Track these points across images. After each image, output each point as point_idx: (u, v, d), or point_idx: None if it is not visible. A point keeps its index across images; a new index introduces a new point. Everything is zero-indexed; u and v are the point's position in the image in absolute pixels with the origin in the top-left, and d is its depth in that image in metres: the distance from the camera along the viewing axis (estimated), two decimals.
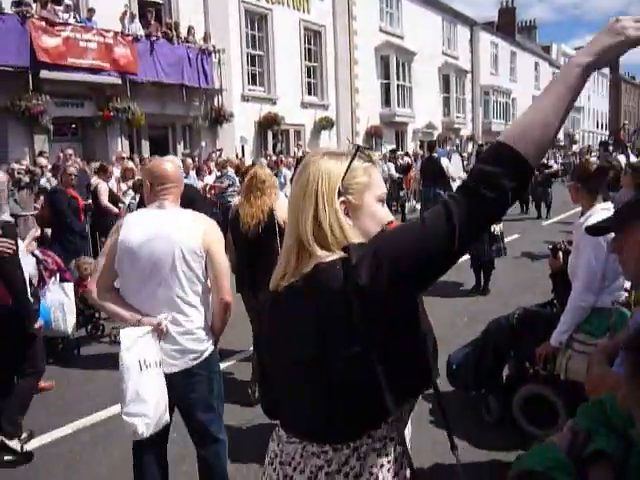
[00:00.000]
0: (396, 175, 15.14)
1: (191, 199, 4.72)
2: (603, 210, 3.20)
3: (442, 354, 3.76)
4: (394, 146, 21.95)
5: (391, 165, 15.54)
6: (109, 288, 2.60)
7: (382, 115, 24.03)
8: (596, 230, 1.89)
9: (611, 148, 16.20)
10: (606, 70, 61.01)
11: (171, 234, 2.51)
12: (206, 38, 15.69)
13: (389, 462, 1.25)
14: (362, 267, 1.12)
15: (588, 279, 3.08)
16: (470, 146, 28.05)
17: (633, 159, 14.05)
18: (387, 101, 24.31)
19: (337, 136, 21.70)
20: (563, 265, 3.62)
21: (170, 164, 2.78)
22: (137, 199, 7.70)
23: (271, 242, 3.89)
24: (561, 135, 44.55)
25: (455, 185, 12.19)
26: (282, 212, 3.98)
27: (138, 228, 2.54)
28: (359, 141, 22.20)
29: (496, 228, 7.35)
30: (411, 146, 24.30)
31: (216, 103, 16.15)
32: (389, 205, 13.70)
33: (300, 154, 17.14)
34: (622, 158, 12.57)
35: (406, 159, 17.11)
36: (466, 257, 8.31)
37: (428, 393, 3.94)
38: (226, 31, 16.53)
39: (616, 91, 63.61)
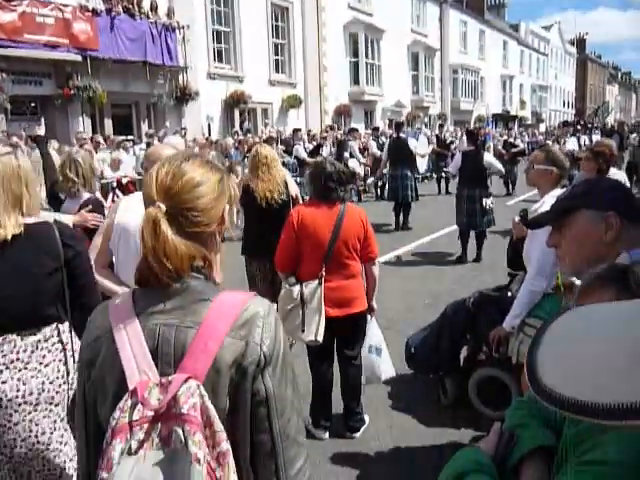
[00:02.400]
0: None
1: None
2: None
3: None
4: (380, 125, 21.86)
5: (373, 143, 15.41)
6: (104, 265, 2.82)
7: (351, 93, 23.90)
8: (535, 224, 1.90)
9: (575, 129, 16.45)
10: (573, 49, 61.71)
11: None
12: (170, 14, 15.29)
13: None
14: None
15: (541, 264, 3.12)
16: (440, 121, 28.14)
17: (596, 140, 14.30)
18: (356, 79, 24.16)
19: (305, 114, 21.53)
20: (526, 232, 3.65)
21: (168, 150, 2.81)
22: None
23: (285, 211, 4.12)
24: (528, 114, 45.05)
25: (420, 162, 12.26)
26: (292, 185, 4.75)
27: (132, 211, 2.68)
28: (328, 119, 22.09)
29: (487, 202, 7.79)
30: (380, 124, 24.26)
31: (181, 81, 15.82)
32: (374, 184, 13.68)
33: (268, 132, 17.01)
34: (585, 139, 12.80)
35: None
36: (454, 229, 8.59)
37: (386, 381, 3.99)
38: (191, 7, 16.12)
39: (582, 70, 64.39)
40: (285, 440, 1.21)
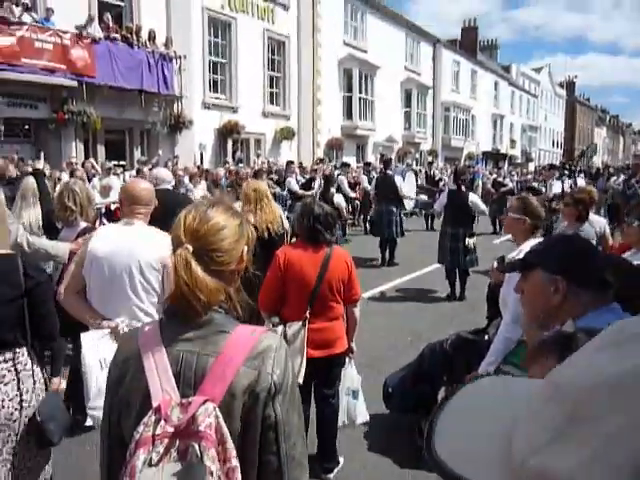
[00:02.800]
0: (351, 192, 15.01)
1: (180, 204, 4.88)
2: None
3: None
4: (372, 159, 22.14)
5: (364, 178, 15.60)
6: (76, 291, 2.92)
7: (343, 127, 24.24)
8: (510, 268, 1.99)
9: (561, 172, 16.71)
10: (562, 91, 63.01)
11: (132, 248, 2.87)
12: (167, 44, 15.56)
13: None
14: None
15: (516, 311, 3.18)
16: (430, 158, 28.49)
17: (581, 183, 14.55)
18: (349, 113, 24.54)
19: (298, 146, 21.78)
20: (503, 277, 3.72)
21: (144, 188, 3.12)
22: None
23: (281, 244, 4.27)
24: (518, 153, 45.74)
25: (407, 203, 12.41)
26: (285, 219, 4.96)
27: (105, 241, 2.91)
28: (320, 152, 22.34)
29: (470, 241, 7.85)
30: (371, 158, 24.54)
31: (175, 109, 16.01)
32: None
33: (260, 163, 17.17)
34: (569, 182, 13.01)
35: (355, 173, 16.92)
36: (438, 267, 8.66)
37: (363, 422, 3.97)
38: (188, 37, 16.45)
39: (571, 112, 65.69)
40: (291, 462, 1.36)
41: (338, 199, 9.29)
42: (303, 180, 13.20)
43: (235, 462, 1.25)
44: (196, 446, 1.22)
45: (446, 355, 3.76)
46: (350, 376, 3.69)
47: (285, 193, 12.49)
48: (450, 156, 32.58)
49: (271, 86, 20.77)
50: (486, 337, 3.76)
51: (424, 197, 8.58)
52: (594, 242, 4.83)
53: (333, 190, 9.40)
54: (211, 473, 1.20)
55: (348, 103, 24.50)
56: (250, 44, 19.00)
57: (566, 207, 5.21)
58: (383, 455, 3.90)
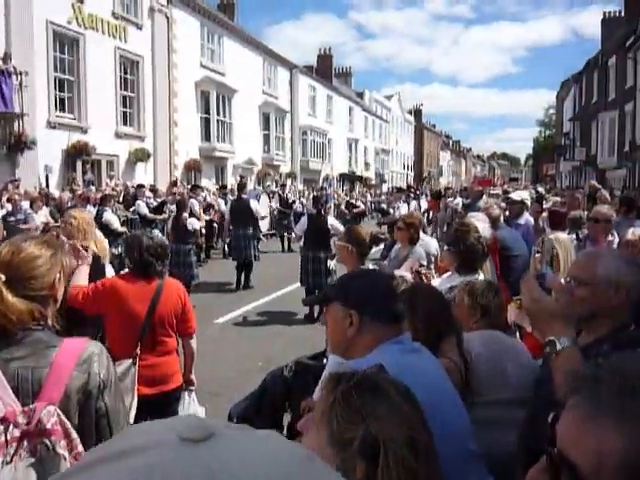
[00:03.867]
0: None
1: None
2: None
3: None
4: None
5: (221, 201, 15.52)
6: None
7: (202, 149, 24.04)
8: (312, 302, 2.15)
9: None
10: (411, 118, 67.49)
11: None
12: (6, 58, 14.51)
13: None
14: None
15: None
16: (289, 182, 29.11)
17: (424, 205, 15.71)
18: (207, 135, 24.40)
19: (154, 168, 21.22)
20: None
21: None
22: None
23: None
24: (372, 175, 48.17)
25: (262, 223, 12.59)
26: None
27: None
28: (177, 174, 21.94)
29: (331, 263, 8.07)
30: (231, 181, 24.56)
31: (16, 128, 14.92)
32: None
33: (113, 185, 16.47)
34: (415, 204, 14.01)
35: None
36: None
37: None
38: (31, 53, 15.42)
39: (420, 137, 70.62)
40: (111, 430, 1.70)
41: (193, 223, 9.20)
42: (155, 204, 12.91)
43: (80, 448, 1.55)
44: (47, 442, 1.52)
45: (286, 382, 3.88)
46: (193, 410, 3.67)
47: (136, 216, 12.13)
48: (308, 178, 33.55)
49: (124, 106, 20.09)
50: (325, 361, 3.95)
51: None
52: (425, 262, 5.25)
53: (186, 214, 9.29)
54: (65, 458, 1.52)
55: (206, 125, 24.36)
56: (101, 62, 18.25)
57: (399, 231, 5.60)
58: None
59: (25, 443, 1.51)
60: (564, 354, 1.67)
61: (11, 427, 1.50)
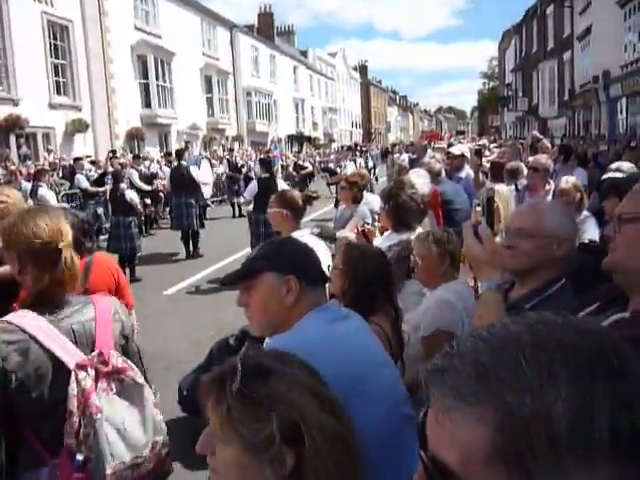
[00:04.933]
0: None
1: None
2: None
3: None
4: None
5: (166, 169, 15.05)
6: None
7: (143, 116, 23.28)
8: (228, 282, 1.82)
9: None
10: (356, 74, 66.98)
11: None
12: None
13: None
14: None
15: None
16: (237, 145, 28.60)
17: (370, 162, 15.72)
18: (147, 102, 23.61)
19: (94, 139, 20.46)
20: None
21: None
22: None
23: None
24: (321, 134, 47.86)
25: (205, 189, 12.31)
26: None
27: None
28: (119, 144, 21.25)
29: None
30: (175, 147, 23.95)
31: None
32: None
33: (51, 159, 15.84)
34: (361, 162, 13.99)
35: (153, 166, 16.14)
36: None
37: None
38: None
39: (366, 94, 70.30)
40: (144, 366, 2.14)
41: (131, 194, 8.95)
42: (95, 176, 12.49)
43: (142, 380, 1.96)
44: (124, 377, 1.89)
45: (232, 351, 3.86)
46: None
47: (76, 191, 11.73)
48: (256, 140, 33.03)
49: (57, 75, 19.16)
50: None
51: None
52: (369, 220, 5.24)
53: (123, 185, 9.01)
54: (143, 385, 1.95)
55: (146, 91, 23.54)
56: (27, 29, 17.24)
57: (342, 190, 5.58)
58: (181, 461, 3.89)
59: (109, 379, 1.86)
60: (483, 297, 1.69)
61: (90, 370, 1.80)
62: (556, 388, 0.59)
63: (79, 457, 1.81)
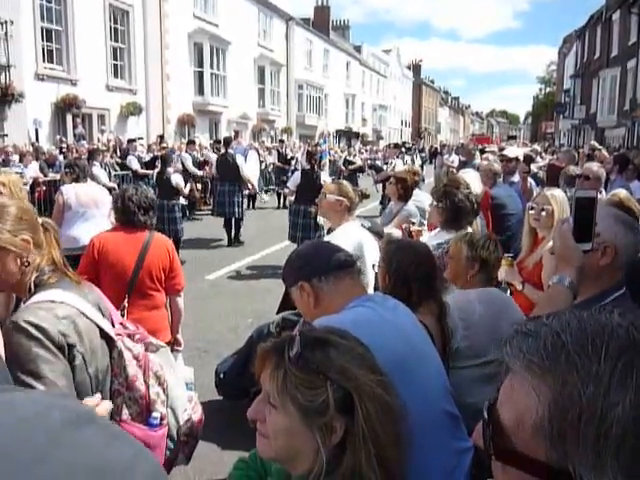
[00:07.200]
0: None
1: None
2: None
3: None
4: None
5: (213, 156, 15.22)
6: None
7: (195, 103, 23.60)
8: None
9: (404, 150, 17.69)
10: (409, 73, 66.33)
11: None
12: None
13: None
14: None
15: None
16: (285, 137, 28.71)
17: (418, 161, 15.53)
18: (200, 89, 23.91)
19: (147, 122, 20.86)
20: None
21: None
22: None
23: None
24: (369, 131, 47.61)
25: (254, 180, 12.36)
26: None
27: None
28: (171, 128, 21.60)
29: (321, 219, 7.96)
30: (225, 135, 24.19)
31: (3, 80, 14.54)
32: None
33: (105, 140, 16.21)
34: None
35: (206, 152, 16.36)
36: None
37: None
38: (15, 0, 14.92)
39: (418, 93, 69.55)
40: None
41: (176, 179, 9.05)
42: (147, 158, 12.71)
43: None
44: (152, 341, 2.05)
45: (272, 337, 3.85)
46: (181, 370, 3.61)
47: (129, 172, 11.97)
48: (304, 134, 33.11)
49: (115, 58, 19.59)
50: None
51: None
52: (416, 219, 5.16)
53: (170, 170, 9.11)
54: (167, 347, 2.16)
55: (199, 78, 23.85)
56: (89, 11, 17.68)
57: (390, 186, 5.51)
58: (213, 442, 3.91)
59: (143, 345, 1.99)
60: (551, 290, 1.64)
61: (125, 338, 1.92)
62: (624, 392, 0.59)
63: (155, 415, 1.94)
